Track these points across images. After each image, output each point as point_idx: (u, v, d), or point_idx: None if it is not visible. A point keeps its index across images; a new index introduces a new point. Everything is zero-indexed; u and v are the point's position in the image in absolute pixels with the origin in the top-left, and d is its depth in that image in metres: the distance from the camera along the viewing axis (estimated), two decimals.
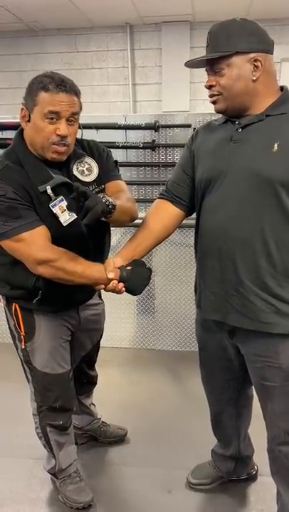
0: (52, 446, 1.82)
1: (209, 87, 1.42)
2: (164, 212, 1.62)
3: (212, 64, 1.38)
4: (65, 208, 1.49)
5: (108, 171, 1.67)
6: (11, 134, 2.91)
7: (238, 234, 1.39)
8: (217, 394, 1.78)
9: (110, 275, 1.47)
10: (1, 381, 2.81)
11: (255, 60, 1.34)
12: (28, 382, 1.77)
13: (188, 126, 3.06)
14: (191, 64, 1.44)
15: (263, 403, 1.56)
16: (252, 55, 1.34)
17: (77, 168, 1.59)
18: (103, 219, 1.42)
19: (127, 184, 1.77)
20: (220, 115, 1.52)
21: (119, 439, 2.24)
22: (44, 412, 1.76)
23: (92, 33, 5.00)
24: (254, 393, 1.78)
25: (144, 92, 5.06)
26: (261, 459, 1.92)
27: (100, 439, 2.23)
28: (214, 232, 1.45)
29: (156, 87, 5.00)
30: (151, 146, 3.08)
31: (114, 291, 1.50)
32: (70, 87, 1.44)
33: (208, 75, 1.43)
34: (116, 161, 1.73)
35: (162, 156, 3.15)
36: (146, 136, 3.11)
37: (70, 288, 1.51)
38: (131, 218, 1.61)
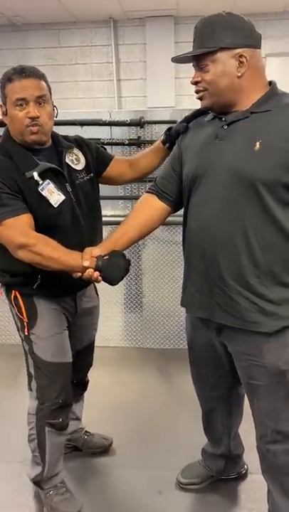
0: (45, 449, 1.77)
1: (195, 83, 1.40)
2: (149, 207, 1.61)
3: (197, 60, 1.37)
4: (53, 190, 1.60)
5: (103, 155, 1.85)
6: None
7: (220, 233, 1.38)
8: (208, 392, 1.77)
9: (85, 263, 1.50)
10: None
11: (240, 56, 1.32)
12: (31, 379, 1.76)
13: (174, 122, 3.01)
14: (178, 60, 1.42)
15: (251, 401, 1.56)
16: (237, 50, 1.32)
17: (68, 157, 1.70)
18: None
19: (126, 183, 2.03)
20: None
21: (103, 449, 2.17)
22: (45, 410, 1.74)
23: (76, 28, 4.94)
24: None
25: (129, 87, 5.02)
26: (251, 458, 1.92)
27: (83, 449, 2.16)
28: (198, 230, 1.45)
29: (141, 83, 4.97)
30: (137, 143, 3.05)
31: (90, 279, 1.53)
32: (31, 72, 1.56)
33: (195, 70, 1.41)
34: (103, 147, 1.91)
35: None
36: (131, 132, 3.08)
37: (67, 273, 1.55)
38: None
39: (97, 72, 5.01)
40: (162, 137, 1.80)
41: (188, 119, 1.64)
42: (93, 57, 4.99)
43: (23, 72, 1.54)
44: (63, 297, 1.77)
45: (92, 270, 1.50)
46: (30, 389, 1.78)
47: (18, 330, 1.78)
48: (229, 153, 1.35)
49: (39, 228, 1.56)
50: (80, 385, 2.05)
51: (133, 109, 4.58)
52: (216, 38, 1.31)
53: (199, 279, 1.49)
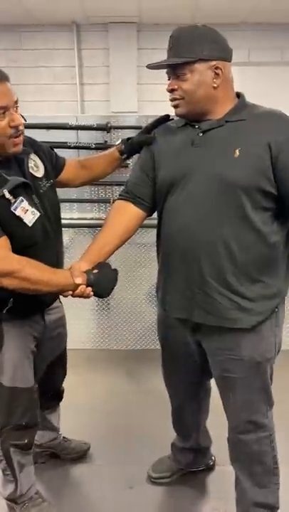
0: (14, 468, 1.71)
1: (171, 91, 1.45)
2: (126, 214, 1.63)
3: (175, 68, 1.42)
4: (27, 208, 1.47)
5: (57, 158, 1.74)
6: None
7: (201, 235, 1.44)
8: (179, 389, 1.84)
9: (78, 280, 1.44)
10: None
11: (216, 68, 1.39)
12: None
13: (140, 128, 3.09)
14: (154, 67, 1.46)
15: (224, 395, 1.63)
16: (213, 62, 1.39)
17: (28, 165, 1.55)
18: None
19: (77, 187, 1.95)
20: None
21: (82, 454, 2.17)
22: (8, 432, 1.66)
23: (38, 31, 4.91)
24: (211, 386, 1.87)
25: (92, 91, 5.04)
26: (218, 449, 2.00)
27: (61, 455, 2.15)
28: (178, 233, 1.49)
29: (103, 87, 5.00)
30: (104, 147, 3.09)
31: (81, 296, 1.49)
32: (2, 75, 1.39)
33: (168, 78, 1.46)
34: (51, 147, 1.79)
35: None
36: (97, 136, 3.12)
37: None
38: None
39: (59, 76, 5.00)
40: (121, 146, 1.76)
41: (149, 130, 1.67)
42: (56, 61, 4.98)
43: None
44: (33, 316, 1.67)
45: (84, 287, 1.45)
46: None
47: None
48: (209, 159, 1.42)
49: (14, 249, 1.43)
50: (55, 396, 2.02)
51: (96, 113, 4.63)
52: (194, 48, 1.37)
53: (178, 280, 1.54)
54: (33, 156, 1.58)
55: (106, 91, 4.99)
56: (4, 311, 1.54)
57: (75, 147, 3.04)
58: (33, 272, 1.41)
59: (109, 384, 2.86)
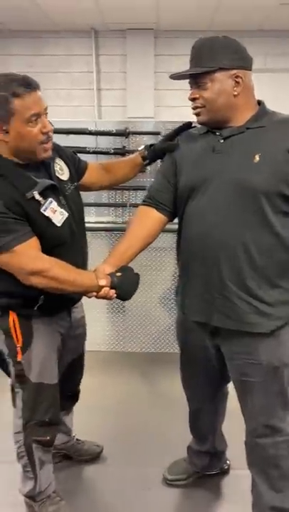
0: (35, 465, 1.74)
1: (193, 100, 1.50)
2: (148, 219, 1.67)
3: (196, 78, 1.46)
4: (56, 209, 1.53)
5: (80, 162, 1.79)
6: None
7: (221, 239, 1.47)
8: (197, 392, 1.86)
9: (102, 282, 1.50)
10: None
11: (236, 76, 1.43)
12: (15, 396, 1.69)
13: (158, 133, 3.14)
14: (176, 77, 1.50)
15: (242, 399, 1.64)
16: (233, 71, 1.43)
17: (54, 168, 1.61)
18: None
19: (98, 190, 2.03)
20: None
21: (94, 456, 2.20)
22: (32, 428, 1.69)
23: (58, 37, 4.99)
24: (228, 390, 1.88)
25: (109, 97, 5.10)
26: (233, 454, 2.02)
27: (74, 457, 2.18)
28: (199, 237, 1.52)
29: (120, 93, 5.06)
30: (122, 152, 3.14)
31: (105, 297, 1.54)
32: (34, 83, 1.44)
33: (190, 87, 1.50)
34: (74, 152, 1.83)
35: None
36: (116, 142, 3.17)
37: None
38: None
39: (77, 81, 5.07)
40: (144, 152, 1.81)
41: (171, 137, 1.71)
42: (74, 66, 5.05)
43: (29, 84, 1.41)
44: (61, 313, 1.72)
45: (107, 288, 1.51)
46: (14, 406, 1.71)
47: (2, 358, 1.70)
48: (230, 164, 1.45)
49: (43, 249, 1.49)
50: (72, 396, 2.05)
51: (113, 118, 4.69)
52: (215, 58, 1.42)
53: (198, 283, 1.56)
54: (58, 160, 1.64)
55: (123, 96, 5.05)
56: (35, 308, 1.59)
57: (94, 152, 3.09)
58: (60, 271, 1.47)
59: (124, 386, 2.88)
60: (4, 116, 1.41)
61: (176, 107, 4.70)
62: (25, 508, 1.87)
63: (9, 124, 1.42)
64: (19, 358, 1.63)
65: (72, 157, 1.76)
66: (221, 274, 1.49)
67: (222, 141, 1.49)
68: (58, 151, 1.67)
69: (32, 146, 1.47)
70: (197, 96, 1.47)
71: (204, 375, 1.77)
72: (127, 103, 5.00)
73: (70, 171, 1.68)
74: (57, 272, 1.46)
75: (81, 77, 5.08)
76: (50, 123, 1.51)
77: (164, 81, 4.73)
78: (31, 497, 1.82)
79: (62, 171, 1.64)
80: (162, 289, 3.27)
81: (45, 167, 1.57)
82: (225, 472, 2.09)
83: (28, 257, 1.45)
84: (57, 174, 1.60)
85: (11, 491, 1.93)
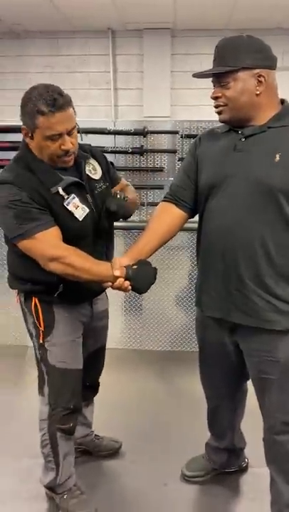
0: (58, 454, 1.80)
1: (215, 98, 1.51)
2: (168, 215, 1.69)
3: (219, 77, 1.47)
4: (78, 204, 1.62)
5: (113, 174, 1.88)
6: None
7: (240, 236, 1.48)
8: (216, 389, 1.87)
9: (116, 273, 1.55)
10: None
11: (259, 76, 1.44)
12: (43, 385, 1.78)
13: (176, 132, 3.15)
14: (199, 75, 1.52)
15: (260, 396, 1.66)
16: (256, 70, 1.44)
17: (86, 168, 1.71)
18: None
19: None
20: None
21: (113, 452, 2.23)
22: (56, 415, 1.76)
23: (75, 37, 5.01)
24: (248, 388, 1.89)
25: (126, 96, 5.10)
26: (251, 452, 2.03)
27: (93, 452, 2.21)
28: (218, 233, 1.54)
29: (137, 92, 5.06)
30: (140, 151, 3.17)
31: (120, 288, 1.58)
32: (62, 102, 1.47)
33: (214, 86, 1.52)
34: (112, 163, 1.90)
35: (150, 160, 3.25)
36: (134, 141, 3.20)
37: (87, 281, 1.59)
38: (136, 207, 1.90)
39: (94, 81, 5.10)
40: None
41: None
42: (91, 66, 5.07)
43: (55, 105, 1.45)
44: (82, 303, 1.80)
45: (122, 280, 1.55)
46: (41, 394, 1.80)
47: (31, 337, 1.80)
48: (250, 163, 1.46)
49: (64, 241, 1.58)
50: (92, 388, 2.08)
51: (129, 118, 4.71)
52: (238, 58, 1.43)
53: (217, 280, 1.58)
54: (92, 161, 1.75)
55: (139, 96, 5.05)
56: (55, 295, 1.67)
57: (112, 151, 3.13)
58: (77, 259, 1.55)
59: (141, 383, 2.91)
60: (31, 126, 1.52)
61: (193, 106, 4.70)
62: (45, 501, 1.91)
63: (34, 133, 1.53)
64: (41, 340, 1.73)
65: (106, 164, 1.83)
66: (239, 271, 1.50)
67: (243, 139, 1.50)
68: (92, 151, 1.78)
69: (50, 159, 1.58)
70: (219, 94, 1.48)
71: (223, 372, 1.78)
72: (144, 102, 5.00)
73: (102, 172, 1.78)
74: (74, 259, 1.54)
75: (98, 77, 5.09)
76: (79, 134, 1.61)
77: (181, 80, 4.72)
78: (51, 488, 1.86)
79: (95, 170, 1.74)
80: (179, 287, 3.29)
81: (76, 166, 1.67)
82: (243, 470, 2.10)
83: (49, 244, 1.54)
84: (88, 173, 1.70)
85: (31, 485, 1.97)
